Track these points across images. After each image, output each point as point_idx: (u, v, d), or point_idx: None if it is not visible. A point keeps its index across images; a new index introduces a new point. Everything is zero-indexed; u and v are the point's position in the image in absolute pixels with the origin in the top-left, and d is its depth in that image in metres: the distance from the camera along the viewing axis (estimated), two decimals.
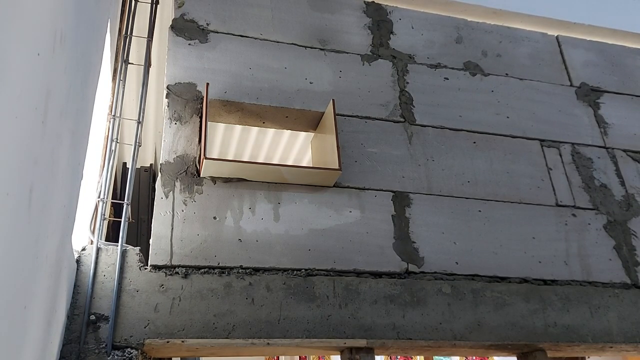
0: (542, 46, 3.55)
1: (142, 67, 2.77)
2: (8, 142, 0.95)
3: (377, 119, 2.90)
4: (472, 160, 2.94)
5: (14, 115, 0.97)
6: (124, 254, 2.21)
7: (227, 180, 2.49)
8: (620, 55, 3.73)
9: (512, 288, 2.60)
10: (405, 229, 2.62)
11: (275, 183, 2.56)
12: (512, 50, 3.45)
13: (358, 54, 3.09)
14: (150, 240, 2.28)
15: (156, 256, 2.24)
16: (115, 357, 1.99)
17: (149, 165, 4.30)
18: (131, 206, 2.45)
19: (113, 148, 2.48)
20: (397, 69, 3.11)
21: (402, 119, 2.95)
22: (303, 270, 2.37)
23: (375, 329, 2.31)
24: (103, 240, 2.27)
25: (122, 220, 2.33)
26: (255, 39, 2.95)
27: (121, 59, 2.69)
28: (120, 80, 2.62)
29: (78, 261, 2.16)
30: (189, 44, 2.80)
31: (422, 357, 5.19)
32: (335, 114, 2.68)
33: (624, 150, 3.29)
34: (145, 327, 2.09)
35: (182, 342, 2.11)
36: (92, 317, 2.05)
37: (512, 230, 2.78)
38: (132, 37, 2.78)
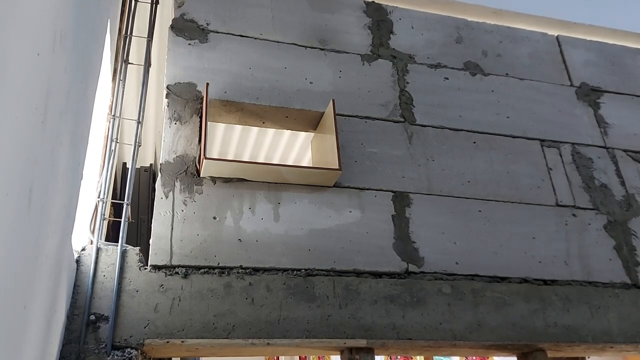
0: (542, 46, 3.55)
1: (142, 67, 2.77)
2: (8, 142, 0.95)
3: (377, 119, 2.90)
4: (472, 160, 2.93)
5: (14, 115, 0.96)
6: (123, 254, 2.21)
7: (227, 180, 2.49)
8: (621, 55, 3.73)
9: (512, 288, 2.60)
10: (405, 229, 2.62)
11: (275, 183, 2.56)
12: (512, 50, 3.45)
13: (358, 54, 3.09)
14: (150, 240, 2.28)
15: (156, 256, 2.24)
16: (115, 357, 1.99)
17: (149, 165, 4.30)
18: (131, 206, 2.45)
19: (113, 148, 2.48)
20: (397, 69, 3.11)
21: (402, 119, 2.95)
22: (303, 270, 2.37)
23: (375, 329, 2.31)
24: (103, 240, 2.27)
25: (122, 220, 2.33)
26: (255, 39, 2.95)
27: (121, 59, 2.69)
28: (120, 80, 2.62)
29: (78, 261, 2.16)
30: (189, 44, 2.80)
31: (422, 357, 5.19)
32: (335, 114, 2.68)
33: (624, 150, 3.29)
34: (145, 327, 2.09)
35: (182, 342, 2.11)
36: (92, 317, 2.04)
37: (512, 230, 2.78)
38: (132, 37, 2.78)
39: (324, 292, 2.34)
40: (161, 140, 2.53)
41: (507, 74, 3.33)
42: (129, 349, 2.03)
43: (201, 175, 2.46)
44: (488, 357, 4.75)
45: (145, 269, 2.21)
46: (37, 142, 1.19)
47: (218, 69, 2.77)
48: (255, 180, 2.53)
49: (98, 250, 2.19)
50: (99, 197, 2.36)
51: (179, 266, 2.24)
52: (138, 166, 3.97)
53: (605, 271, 2.80)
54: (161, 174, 2.42)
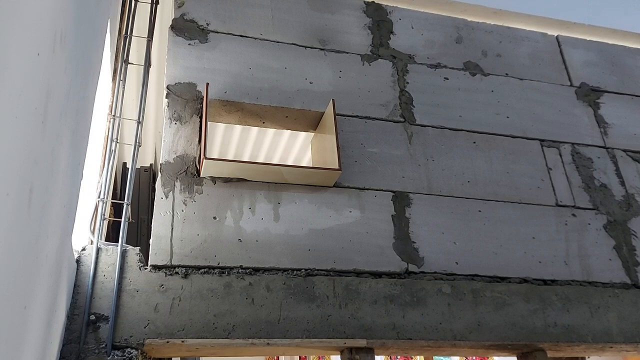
0: (542, 46, 3.55)
1: (142, 67, 2.77)
2: (8, 142, 0.95)
3: (377, 119, 2.90)
4: (472, 160, 2.94)
5: (14, 115, 0.96)
6: (124, 254, 2.21)
7: (227, 180, 2.49)
8: (620, 55, 3.73)
9: (512, 288, 2.60)
10: (405, 229, 2.62)
11: (275, 183, 2.56)
12: (512, 50, 3.45)
13: (358, 54, 3.09)
14: (150, 240, 2.28)
15: (156, 256, 2.24)
16: (115, 357, 1.99)
17: (149, 165, 4.30)
18: (131, 206, 2.45)
19: (113, 148, 2.48)
20: (397, 69, 3.11)
21: (402, 119, 2.95)
22: (303, 270, 2.37)
23: (375, 329, 2.31)
24: (103, 240, 2.27)
25: (122, 220, 2.33)
26: (255, 39, 2.95)
27: (121, 59, 2.69)
28: (120, 80, 2.62)
29: (78, 261, 2.16)
30: (189, 44, 2.80)
31: (422, 357, 5.19)
32: (335, 114, 2.68)
33: (624, 150, 3.29)
34: (145, 327, 2.09)
35: (182, 342, 2.11)
36: (92, 317, 2.05)
37: (512, 230, 2.78)
38: (132, 37, 2.78)
39: (324, 292, 2.34)
40: (161, 140, 2.53)
41: (507, 74, 3.33)
42: (129, 349, 2.03)
43: (201, 175, 2.46)
44: (488, 357, 4.76)
45: (146, 269, 2.21)
46: (37, 142, 1.19)
47: (218, 69, 2.77)
48: (255, 180, 2.53)
49: (98, 250, 2.19)
50: (99, 197, 2.36)
51: (179, 266, 2.24)
52: (138, 166, 3.97)
53: (605, 271, 2.80)
54: (161, 174, 2.42)
